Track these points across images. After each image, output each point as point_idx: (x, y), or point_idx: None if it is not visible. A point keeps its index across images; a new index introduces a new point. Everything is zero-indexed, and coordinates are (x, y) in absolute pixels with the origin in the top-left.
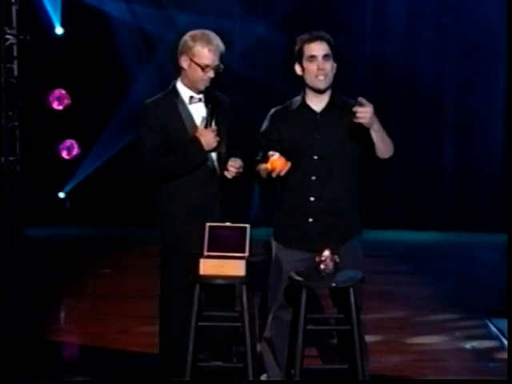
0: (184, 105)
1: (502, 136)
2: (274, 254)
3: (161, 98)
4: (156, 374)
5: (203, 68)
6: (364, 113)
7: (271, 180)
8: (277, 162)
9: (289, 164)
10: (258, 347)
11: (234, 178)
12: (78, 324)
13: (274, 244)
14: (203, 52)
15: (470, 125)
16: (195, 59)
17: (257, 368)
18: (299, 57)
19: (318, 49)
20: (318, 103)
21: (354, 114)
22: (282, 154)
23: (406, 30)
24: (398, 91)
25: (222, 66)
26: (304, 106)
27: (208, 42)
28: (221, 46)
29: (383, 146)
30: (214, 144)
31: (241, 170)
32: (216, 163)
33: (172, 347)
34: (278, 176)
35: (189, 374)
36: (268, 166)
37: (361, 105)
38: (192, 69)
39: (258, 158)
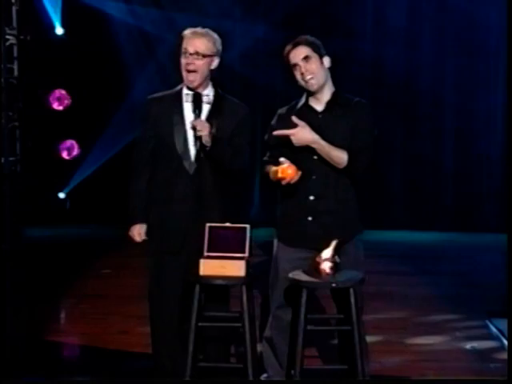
0: (180, 102)
1: (501, 136)
2: (274, 252)
3: (162, 94)
4: (153, 375)
5: (182, 54)
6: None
7: (280, 184)
8: (287, 171)
9: (299, 173)
10: (259, 347)
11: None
12: (77, 324)
13: (275, 242)
14: (185, 40)
15: (469, 125)
16: (181, 50)
17: (257, 368)
18: (289, 67)
19: (296, 55)
20: (319, 103)
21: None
22: (286, 153)
23: (406, 30)
24: (397, 91)
25: (206, 54)
26: (306, 105)
27: (190, 30)
28: (208, 34)
29: (331, 160)
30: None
31: (206, 125)
32: (194, 164)
33: (163, 347)
34: (288, 184)
35: (189, 374)
36: (279, 174)
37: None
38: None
39: (266, 158)
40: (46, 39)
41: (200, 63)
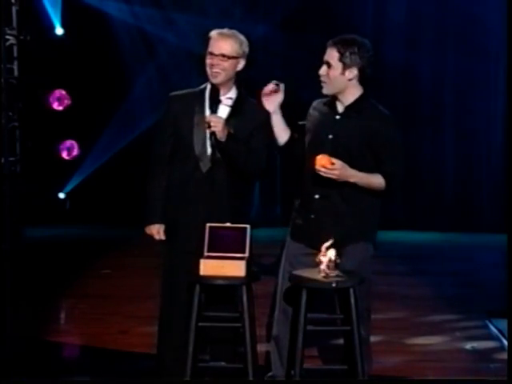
0: (203, 102)
1: (502, 136)
2: (285, 248)
3: (185, 92)
4: (155, 374)
5: (208, 54)
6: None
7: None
8: (321, 161)
9: (337, 164)
10: (264, 347)
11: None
12: (77, 324)
13: (287, 239)
14: (211, 41)
15: (469, 125)
16: (207, 51)
17: (257, 368)
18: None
19: (326, 53)
20: (340, 104)
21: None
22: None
23: (406, 31)
24: (397, 91)
25: (229, 56)
26: (332, 102)
27: (216, 31)
28: (234, 35)
29: (371, 188)
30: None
31: (221, 121)
32: (208, 164)
33: (168, 347)
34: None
35: (189, 374)
36: (316, 165)
37: None
38: None
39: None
40: (46, 39)
41: (225, 64)
